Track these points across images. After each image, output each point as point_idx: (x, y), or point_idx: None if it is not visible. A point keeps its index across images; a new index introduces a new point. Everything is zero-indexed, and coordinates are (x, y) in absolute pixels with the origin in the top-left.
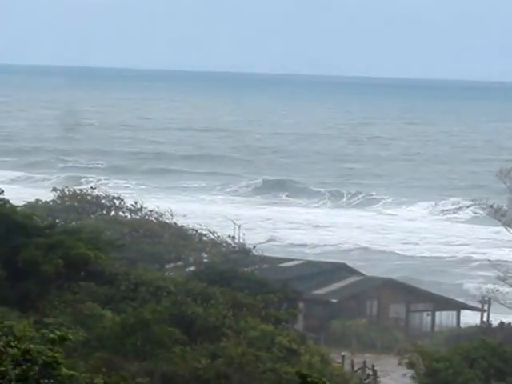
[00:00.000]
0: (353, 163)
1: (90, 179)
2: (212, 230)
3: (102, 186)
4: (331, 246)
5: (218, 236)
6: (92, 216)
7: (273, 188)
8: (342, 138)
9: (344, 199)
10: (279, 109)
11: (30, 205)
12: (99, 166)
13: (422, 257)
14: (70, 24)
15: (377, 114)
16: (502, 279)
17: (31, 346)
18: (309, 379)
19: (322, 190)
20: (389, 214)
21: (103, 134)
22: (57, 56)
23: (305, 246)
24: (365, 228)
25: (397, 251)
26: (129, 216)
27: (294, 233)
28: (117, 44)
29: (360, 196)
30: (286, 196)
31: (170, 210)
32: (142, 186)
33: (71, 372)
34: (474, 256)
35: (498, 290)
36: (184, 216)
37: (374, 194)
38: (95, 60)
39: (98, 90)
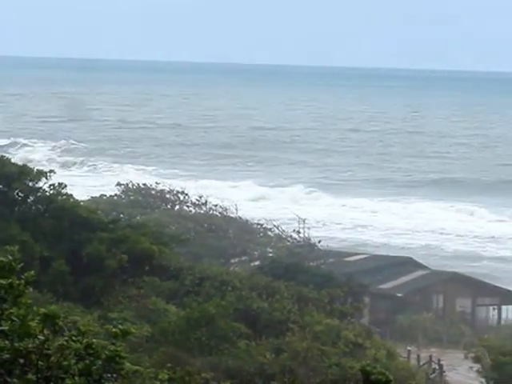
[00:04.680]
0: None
1: None
2: (276, 225)
3: None
4: None
5: (283, 230)
6: (156, 210)
7: None
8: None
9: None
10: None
11: (94, 199)
12: None
13: None
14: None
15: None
16: None
17: (94, 340)
18: (372, 377)
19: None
20: None
21: None
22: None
23: None
24: None
25: None
26: (193, 210)
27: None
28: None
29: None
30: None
31: (235, 204)
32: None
33: (136, 367)
34: None
35: None
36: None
37: None
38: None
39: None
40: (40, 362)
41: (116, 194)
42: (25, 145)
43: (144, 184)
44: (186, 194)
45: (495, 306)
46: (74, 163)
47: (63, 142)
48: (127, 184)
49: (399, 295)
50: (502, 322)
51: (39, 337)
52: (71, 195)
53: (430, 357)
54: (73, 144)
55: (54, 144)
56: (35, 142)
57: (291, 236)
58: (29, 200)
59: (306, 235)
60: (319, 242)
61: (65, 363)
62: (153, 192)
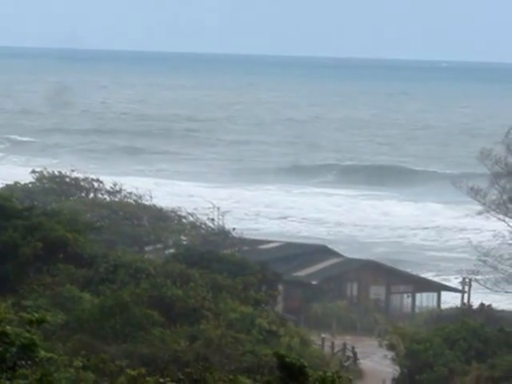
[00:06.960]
0: None
1: None
2: (190, 212)
3: None
4: None
5: (198, 218)
6: (71, 198)
7: None
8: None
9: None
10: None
11: (8, 187)
12: None
13: None
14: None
15: None
16: (483, 261)
17: (8, 327)
18: (287, 359)
19: None
20: None
21: None
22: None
23: None
24: None
25: None
26: (108, 198)
27: None
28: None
29: None
30: None
31: (149, 192)
32: None
33: (50, 354)
34: None
35: (478, 271)
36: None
37: None
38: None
39: None
40: None
41: (31, 182)
42: None
43: (59, 171)
44: (101, 182)
45: (409, 294)
46: None
47: None
48: (42, 171)
49: (313, 283)
50: (416, 309)
51: None
52: None
53: (344, 344)
54: None
55: None
56: None
57: (205, 224)
58: None
59: (221, 223)
60: (233, 229)
61: None
62: (67, 180)
